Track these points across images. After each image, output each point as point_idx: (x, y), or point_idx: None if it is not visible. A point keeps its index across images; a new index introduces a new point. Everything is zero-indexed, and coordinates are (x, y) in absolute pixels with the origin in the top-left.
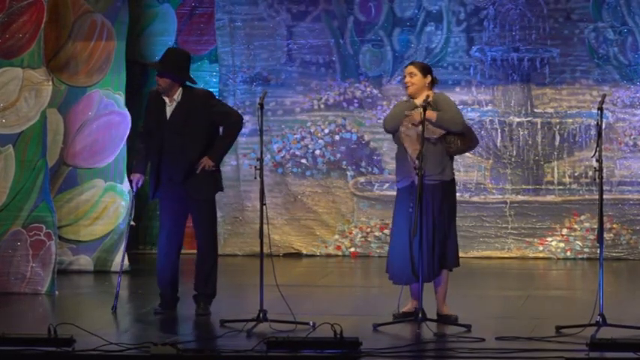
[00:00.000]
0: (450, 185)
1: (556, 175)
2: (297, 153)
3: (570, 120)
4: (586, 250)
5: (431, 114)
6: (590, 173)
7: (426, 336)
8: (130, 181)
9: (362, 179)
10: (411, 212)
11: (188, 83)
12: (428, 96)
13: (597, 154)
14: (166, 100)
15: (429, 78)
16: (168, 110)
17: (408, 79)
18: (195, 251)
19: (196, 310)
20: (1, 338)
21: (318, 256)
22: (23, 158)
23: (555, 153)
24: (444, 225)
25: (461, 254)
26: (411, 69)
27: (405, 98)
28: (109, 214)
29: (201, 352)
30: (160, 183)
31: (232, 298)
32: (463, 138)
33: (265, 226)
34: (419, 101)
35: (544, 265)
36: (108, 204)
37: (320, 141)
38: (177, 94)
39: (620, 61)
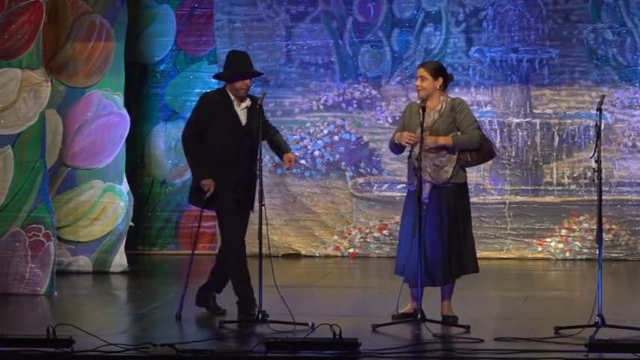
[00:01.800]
0: (463, 188)
1: (555, 176)
2: (297, 154)
3: (569, 121)
4: (585, 250)
5: (446, 140)
6: (589, 174)
7: (425, 337)
8: (200, 188)
9: (361, 180)
10: (424, 215)
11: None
12: (426, 98)
13: (596, 154)
14: (238, 104)
15: (440, 80)
16: (242, 114)
17: (418, 82)
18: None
19: (250, 314)
20: (0, 339)
21: (317, 256)
22: (22, 159)
23: (554, 154)
24: (459, 228)
25: None
26: (422, 72)
27: (418, 101)
28: (108, 215)
29: (201, 353)
30: (226, 189)
31: (232, 299)
32: (477, 152)
33: (264, 227)
34: (431, 105)
35: (543, 265)
36: (107, 205)
37: (319, 142)
38: (247, 99)
39: (619, 62)
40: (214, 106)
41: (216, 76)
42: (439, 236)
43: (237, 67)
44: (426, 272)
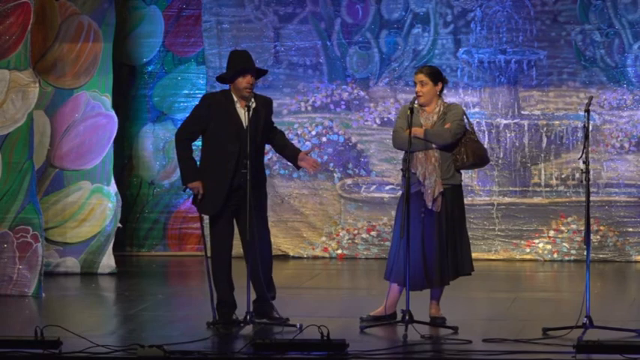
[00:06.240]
0: (458, 189)
1: (543, 177)
2: None
3: (557, 122)
4: (573, 252)
5: (419, 131)
6: (577, 175)
7: (413, 338)
8: (185, 189)
9: (349, 181)
10: (423, 217)
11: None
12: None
13: (584, 156)
14: (241, 104)
15: (439, 85)
16: (244, 116)
17: (419, 87)
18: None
19: (270, 315)
20: None
21: (305, 258)
22: (10, 160)
23: (542, 155)
24: (456, 229)
25: None
26: (422, 77)
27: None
28: (96, 216)
29: (189, 354)
30: (223, 194)
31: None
32: (473, 154)
33: None
34: (430, 109)
35: (531, 267)
36: (94, 206)
37: (307, 143)
38: (252, 99)
39: (606, 63)
40: (214, 107)
41: (218, 78)
42: (438, 238)
43: (238, 65)
44: (425, 274)
